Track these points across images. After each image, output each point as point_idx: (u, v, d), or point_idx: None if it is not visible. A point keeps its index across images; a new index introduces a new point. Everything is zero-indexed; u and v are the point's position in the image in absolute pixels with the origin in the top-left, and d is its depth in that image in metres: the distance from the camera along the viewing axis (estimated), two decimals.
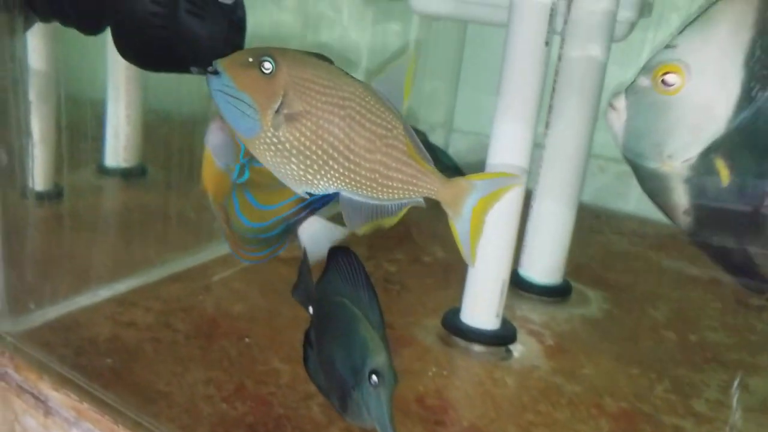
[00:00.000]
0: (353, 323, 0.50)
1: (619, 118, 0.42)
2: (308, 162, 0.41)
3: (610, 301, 0.80)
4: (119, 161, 0.92)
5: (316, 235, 0.61)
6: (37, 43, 0.74)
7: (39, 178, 0.79)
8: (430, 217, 0.96)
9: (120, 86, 0.90)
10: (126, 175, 0.92)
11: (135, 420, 0.53)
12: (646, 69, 0.42)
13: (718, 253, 0.43)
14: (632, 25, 0.80)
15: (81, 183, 0.83)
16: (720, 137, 0.40)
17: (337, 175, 0.41)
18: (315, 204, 0.58)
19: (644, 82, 0.42)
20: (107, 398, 0.55)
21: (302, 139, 0.40)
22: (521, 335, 0.70)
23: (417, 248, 0.89)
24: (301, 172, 0.41)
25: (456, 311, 0.69)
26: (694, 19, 0.42)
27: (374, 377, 0.47)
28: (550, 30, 0.60)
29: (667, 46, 0.41)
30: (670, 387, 0.65)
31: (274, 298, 0.72)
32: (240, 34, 0.51)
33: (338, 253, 0.52)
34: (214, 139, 0.50)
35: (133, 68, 0.89)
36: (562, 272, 0.80)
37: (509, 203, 0.65)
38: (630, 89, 0.42)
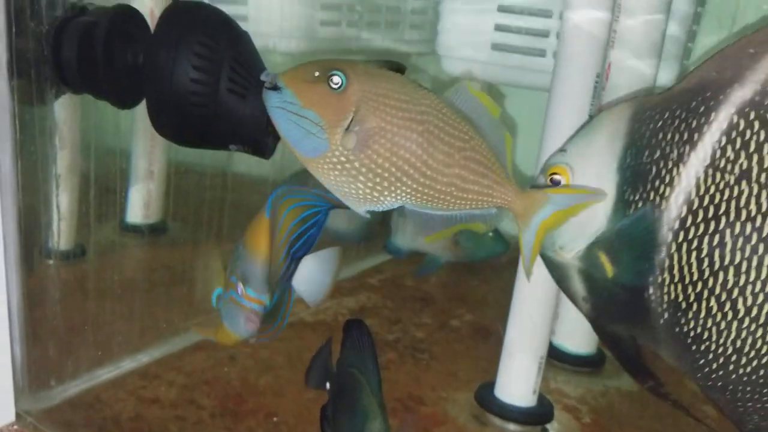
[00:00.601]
0: (358, 392, 0.50)
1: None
2: (378, 180, 0.39)
3: None
4: (141, 218, 0.90)
5: (309, 276, 0.58)
6: (65, 115, 0.73)
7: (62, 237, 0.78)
8: (455, 278, 0.95)
9: (143, 138, 0.89)
10: (147, 232, 0.90)
11: None
12: (543, 169, 0.46)
13: (610, 342, 0.47)
14: None
15: (103, 241, 0.82)
16: (602, 233, 0.43)
17: (409, 191, 0.39)
18: (298, 253, 0.56)
19: (541, 180, 0.46)
20: None
21: (374, 156, 0.38)
22: (557, 411, 0.68)
23: (443, 311, 0.87)
24: (368, 191, 0.39)
25: (490, 385, 0.67)
26: (582, 126, 0.47)
27: None
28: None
29: (560, 150, 0.46)
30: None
31: (300, 368, 0.70)
32: None
33: (351, 325, 0.52)
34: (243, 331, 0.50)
35: None
36: (596, 342, 0.78)
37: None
38: (532, 186, 0.45)
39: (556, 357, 0.77)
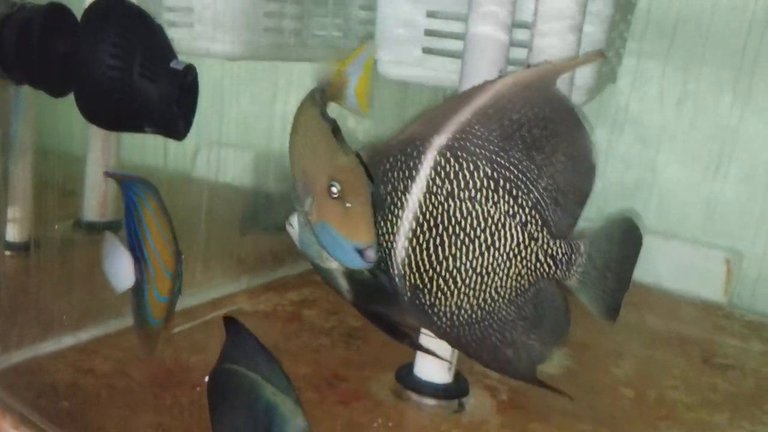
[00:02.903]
0: (257, 391, 0.51)
1: (294, 233, 0.59)
2: None
3: (571, 358, 0.84)
4: (97, 216, 0.99)
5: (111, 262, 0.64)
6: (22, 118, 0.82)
7: (16, 231, 0.86)
8: None
9: (98, 140, 0.98)
10: (102, 229, 0.98)
11: None
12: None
13: (372, 318, 0.62)
14: (591, 92, 0.87)
15: (57, 237, 0.90)
16: None
17: None
18: None
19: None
20: None
21: None
22: (476, 390, 0.74)
23: None
24: None
25: (409, 365, 0.74)
26: None
27: None
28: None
29: None
30: None
31: None
32: (191, 97, 0.58)
33: (226, 323, 0.54)
34: None
35: None
36: None
37: None
38: (299, 213, 0.59)
39: None
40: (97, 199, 0.98)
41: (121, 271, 0.62)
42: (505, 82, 0.61)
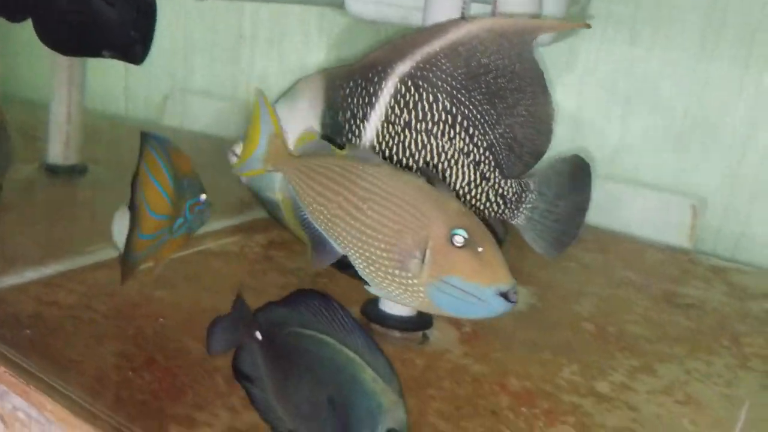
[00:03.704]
0: (352, 370, 0.48)
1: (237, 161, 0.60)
2: None
3: (537, 297, 0.86)
4: (61, 159, 0.99)
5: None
6: None
7: None
8: None
9: (62, 86, 0.98)
10: (67, 172, 0.99)
11: (48, 383, 0.59)
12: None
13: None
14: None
15: (22, 179, 0.91)
16: None
17: None
18: None
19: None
20: (24, 364, 0.61)
21: None
22: (441, 323, 0.76)
23: None
24: None
25: (375, 300, 0.76)
26: (285, 92, 0.62)
27: None
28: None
29: None
30: (577, 370, 0.71)
31: (197, 286, 0.79)
32: (149, 21, 0.59)
33: (311, 295, 0.51)
34: None
35: (74, 70, 0.98)
36: None
37: None
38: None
39: None
40: (60, 144, 0.99)
41: (123, 229, 0.68)
42: (482, 24, 0.61)
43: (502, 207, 0.63)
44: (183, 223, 0.70)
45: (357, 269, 0.54)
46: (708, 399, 0.69)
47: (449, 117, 0.61)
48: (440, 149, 0.61)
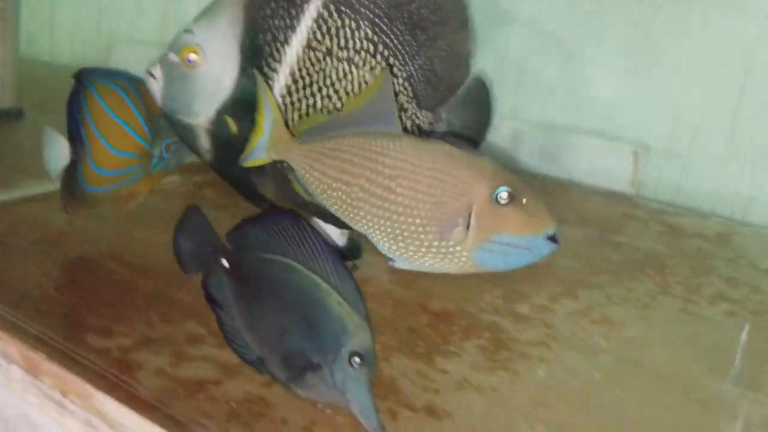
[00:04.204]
0: (318, 294, 0.49)
1: (156, 83, 0.60)
2: None
3: None
4: None
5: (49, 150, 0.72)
6: None
7: None
8: None
9: None
10: (2, 116, 1.00)
11: None
12: (173, 47, 0.60)
13: (232, 181, 0.66)
14: None
15: None
16: (227, 101, 0.60)
17: None
18: None
19: (173, 57, 0.60)
20: None
21: None
22: (372, 255, 0.78)
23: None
24: None
25: None
26: (204, 11, 0.61)
27: (356, 359, 0.47)
28: None
29: (186, 31, 0.60)
30: (500, 295, 0.73)
31: (131, 220, 0.80)
32: None
33: (283, 216, 0.51)
34: None
35: (7, 14, 0.99)
36: None
37: None
38: (163, 62, 0.60)
39: None
40: None
41: (57, 155, 0.70)
42: None
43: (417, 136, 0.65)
44: (159, 162, 0.73)
45: (378, 246, 0.54)
46: (623, 319, 0.71)
47: (371, 46, 0.61)
48: (362, 79, 0.61)
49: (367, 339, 0.47)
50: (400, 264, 0.54)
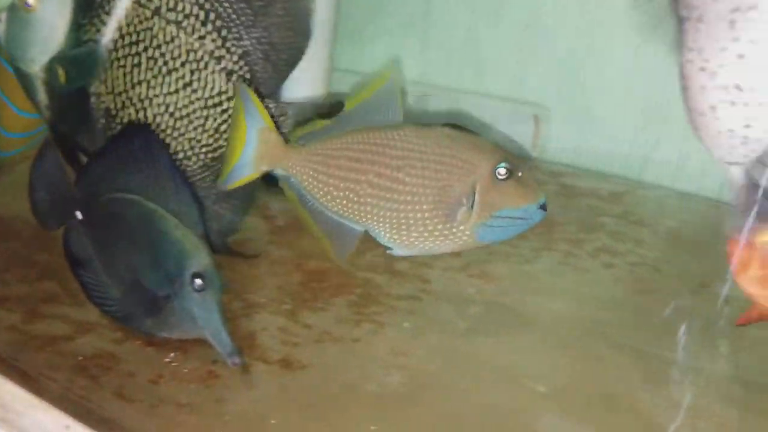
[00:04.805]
0: (156, 222, 0.48)
1: (1, 26, 0.59)
2: None
3: None
4: None
5: None
6: None
7: None
8: None
9: None
10: None
11: None
12: None
13: (59, 140, 0.61)
14: None
15: None
16: (60, 50, 0.59)
17: None
18: None
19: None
20: None
21: None
22: (254, 219, 0.78)
23: None
24: None
25: None
26: None
27: (198, 281, 0.46)
28: None
29: None
30: (380, 253, 0.70)
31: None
32: None
33: (130, 132, 0.51)
34: None
35: None
36: None
37: None
38: (11, 5, 0.58)
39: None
40: None
41: None
42: None
43: None
44: None
45: (377, 237, 0.55)
46: (501, 273, 0.73)
47: (200, 12, 0.58)
48: (189, 47, 0.58)
49: (205, 258, 0.47)
50: (399, 251, 0.55)
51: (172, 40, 0.57)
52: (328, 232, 0.56)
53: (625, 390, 0.54)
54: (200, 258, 0.47)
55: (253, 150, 0.53)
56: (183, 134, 0.58)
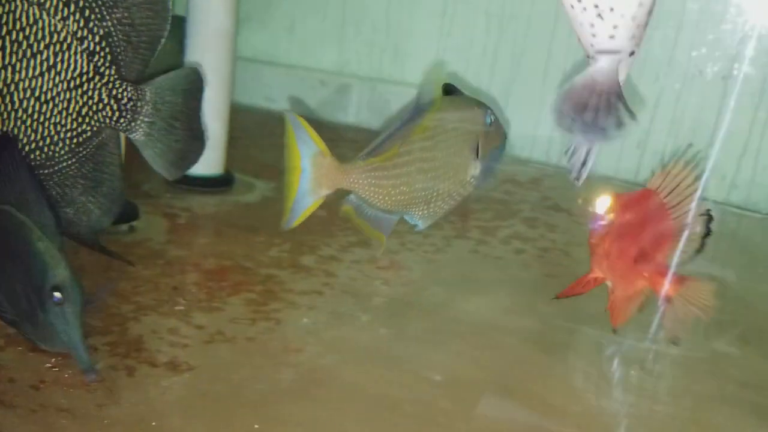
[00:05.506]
0: (24, 234, 0.48)
1: None
2: None
3: (272, 190, 0.87)
4: None
5: None
6: None
7: None
8: None
9: None
10: None
11: None
12: None
13: None
14: None
15: None
16: None
17: None
18: None
19: None
20: None
21: None
22: (154, 218, 0.76)
23: None
24: None
25: None
26: None
27: (57, 294, 0.46)
28: None
29: None
30: (288, 248, 0.72)
31: None
32: None
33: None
34: None
35: None
36: (222, 165, 0.86)
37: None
38: None
39: (183, 182, 0.84)
40: None
41: None
42: None
43: (117, 113, 0.60)
44: None
45: (409, 220, 0.58)
46: (410, 263, 0.72)
47: None
48: (52, 28, 0.57)
49: (63, 271, 0.46)
50: (424, 224, 0.59)
51: (35, 22, 0.55)
52: (377, 228, 0.58)
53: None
54: (59, 271, 0.46)
55: (308, 178, 0.53)
56: (48, 118, 0.57)
